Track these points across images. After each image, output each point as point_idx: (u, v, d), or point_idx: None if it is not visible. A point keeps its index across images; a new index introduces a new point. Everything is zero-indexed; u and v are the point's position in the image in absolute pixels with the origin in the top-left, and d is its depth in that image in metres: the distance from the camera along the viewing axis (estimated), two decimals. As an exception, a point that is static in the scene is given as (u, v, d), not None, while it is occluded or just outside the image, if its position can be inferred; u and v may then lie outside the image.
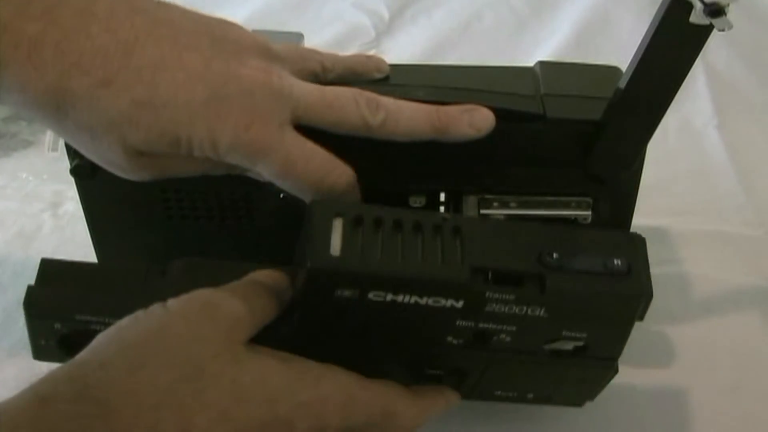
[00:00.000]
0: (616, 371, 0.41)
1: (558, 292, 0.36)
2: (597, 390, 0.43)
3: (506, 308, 0.37)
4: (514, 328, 0.38)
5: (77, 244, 0.62)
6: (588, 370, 0.41)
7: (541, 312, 0.37)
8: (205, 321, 0.35)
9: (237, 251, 0.47)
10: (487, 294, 0.36)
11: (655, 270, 0.47)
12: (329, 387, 0.36)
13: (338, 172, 0.40)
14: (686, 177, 0.71)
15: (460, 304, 0.37)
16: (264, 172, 0.39)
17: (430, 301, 0.36)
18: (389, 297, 0.36)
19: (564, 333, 0.38)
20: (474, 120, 0.41)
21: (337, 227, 0.36)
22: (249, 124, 0.37)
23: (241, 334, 0.35)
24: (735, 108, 0.78)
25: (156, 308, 0.35)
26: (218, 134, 0.37)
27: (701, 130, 0.76)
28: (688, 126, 0.76)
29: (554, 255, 0.37)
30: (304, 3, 0.92)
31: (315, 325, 0.39)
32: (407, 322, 0.38)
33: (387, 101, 0.40)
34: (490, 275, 0.37)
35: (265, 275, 0.39)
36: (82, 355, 0.33)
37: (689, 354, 0.53)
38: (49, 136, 0.72)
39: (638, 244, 0.38)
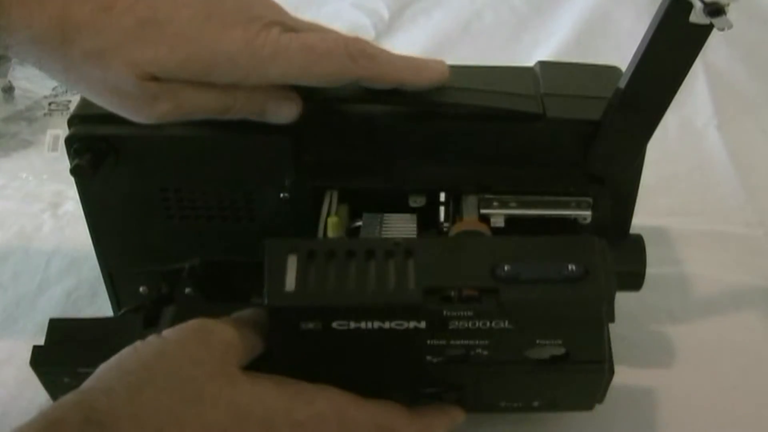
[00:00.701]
0: (612, 372, 0.41)
1: (514, 303, 0.37)
2: (600, 393, 0.43)
3: (469, 324, 0.37)
4: (486, 342, 0.38)
5: (77, 244, 0.62)
6: (579, 375, 0.41)
7: (505, 324, 0.37)
8: (199, 345, 0.36)
9: (237, 251, 0.47)
10: (445, 313, 0.37)
11: (655, 270, 0.48)
12: (324, 405, 0.37)
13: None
14: (686, 177, 0.71)
15: (422, 324, 0.37)
16: (291, 72, 0.39)
17: (393, 325, 0.37)
18: (352, 324, 0.37)
19: (538, 341, 0.38)
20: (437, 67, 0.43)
21: (292, 263, 0.38)
22: (258, 31, 0.38)
23: (234, 358, 0.37)
24: (735, 108, 0.78)
25: (152, 338, 0.36)
26: (229, 46, 0.38)
27: (701, 130, 0.76)
28: (688, 126, 0.76)
29: (506, 267, 0.37)
30: (303, 3, 0.92)
31: (296, 358, 0.39)
32: (380, 347, 0.38)
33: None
34: (451, 293, 0.37)
35: (250, 313, 0.40)
36: (87, 383, 0.35)
37: (689, 354, 0.52)
38: (49, 136, 0.72)
39: (597, 246, 0.38)
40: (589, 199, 0.45)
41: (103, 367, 0.35)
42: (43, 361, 0.43)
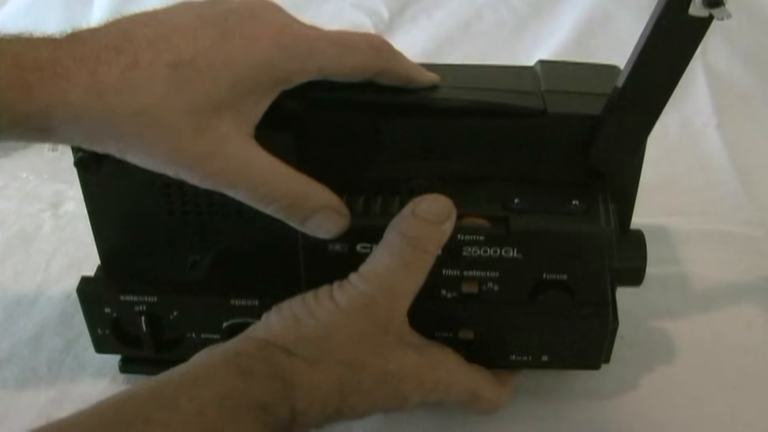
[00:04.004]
0: (616, 323, 0.43)
1: (521, 231, 0.41)
2: (604, 344, 0.44)
3: (481, 251, 0.41)
4: (496, 274, 0.42)
5: (77, 244, 0.62)
6: (583, 318, 0.42)
7: (514, 253, 0.41)
8: (367, 320, 0.40)
9: (239, 247, 0.47)
10: (458, 236, 0.41)
11: (655, 269, 0.48)
12: (443, 372, 0.42)
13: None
14: (686, 177, 0.71)
15: (438, 249, 0.41)
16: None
17: None
18: (374, 248, 0.41)
19: (545, 275, 0.41)
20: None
21: None
22: (281, 31, 0.39)
23: (394, 328, 0.41)
24: (735, 108, 0.79)
25: (325, 300, 0.40)
26: (262, 54, 0.38)
27: (701, 130, 0.76)
28: (688, 126, 0.76)
29: (516, 200, 0.42)
30: (303, 3, 0.92)
31: (323, 284, 0.42)
32: None
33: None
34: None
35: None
36: (261, 334, 0.39)
37: (689, 354, 0.52)
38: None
39: (598, 189, 0.42)
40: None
41: (275, 320, 0.40)
42: (88, 289, 0.47)
